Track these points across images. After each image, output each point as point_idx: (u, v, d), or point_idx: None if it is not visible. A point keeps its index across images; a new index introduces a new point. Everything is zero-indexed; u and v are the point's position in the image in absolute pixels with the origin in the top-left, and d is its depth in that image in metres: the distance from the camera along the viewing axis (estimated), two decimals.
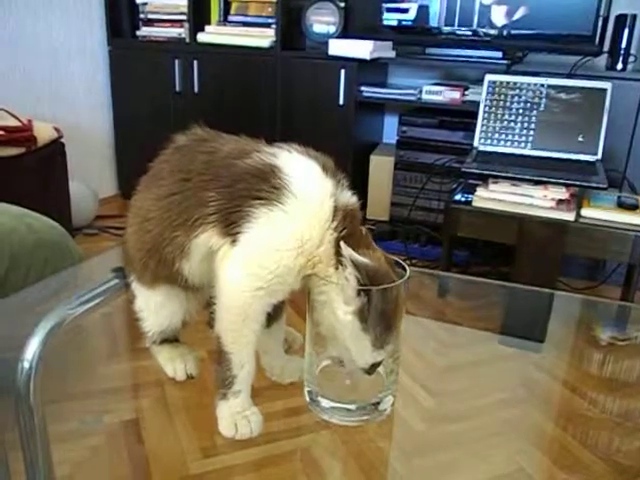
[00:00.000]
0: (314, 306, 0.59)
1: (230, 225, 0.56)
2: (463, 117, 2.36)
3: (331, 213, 0.56)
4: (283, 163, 0.57)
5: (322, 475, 0.57)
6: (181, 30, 2.80)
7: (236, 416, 0.59)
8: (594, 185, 1.76)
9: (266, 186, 0.55)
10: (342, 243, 0.55)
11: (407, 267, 0.60)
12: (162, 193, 0.60)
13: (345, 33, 2.56)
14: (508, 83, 2.03)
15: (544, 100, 1.99)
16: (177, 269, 0.61)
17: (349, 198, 0.58)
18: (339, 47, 2.46)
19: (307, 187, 0.56)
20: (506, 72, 2.19)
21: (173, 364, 0.69)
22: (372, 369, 0.59)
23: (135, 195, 0.65)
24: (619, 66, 2.17)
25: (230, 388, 0.58)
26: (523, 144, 2.00)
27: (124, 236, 0.67)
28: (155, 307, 0.66)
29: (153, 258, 0.62)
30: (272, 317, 0.64)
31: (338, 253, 0.56)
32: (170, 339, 0.70)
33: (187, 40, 2.78)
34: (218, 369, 0.59)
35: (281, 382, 0.68)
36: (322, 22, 2.59)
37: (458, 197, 1.92)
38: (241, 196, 0.55)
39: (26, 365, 0.59)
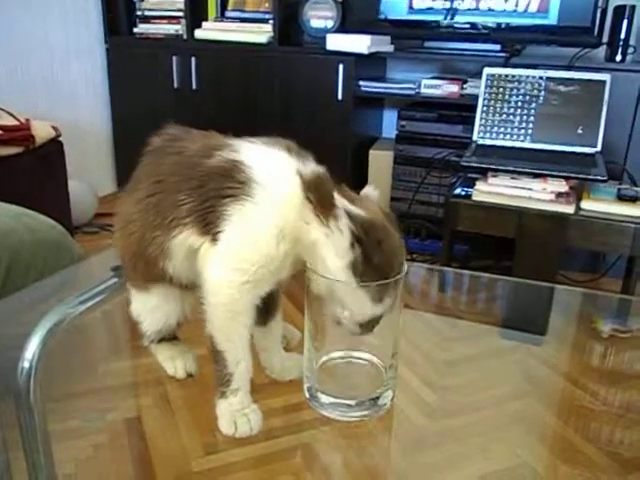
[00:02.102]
0: (311, 278, 0.59)
1: (207, 225, 0.57)
2: (462, 111, 2.36)
3: (299, 188, 0.56)
4: (244, 156, 0.58)
5: (323, 470, 0.57)
6: (178, 27, 2.79)
7: (235, 414, 0.59)
8: (594, 177, 1.75)
9: (232, 183, 0.56)
10: (336, 194, 0.56)
11: (405, 262, 0.59)
12: (140, 196, 0.61)
13: (343, 28, 2.55)
14: (507, 76, 2.03)
15: (543, 93, 1.98)
16: (162, 268, 0.61)
17: (314, 169, 0.59)
18: (337, 42, 2.45)
19: (270, 173, 0.57)
20: (505, 65, 2.18)
21: (173, 362, 0.69)
22: (370, 325, 0.58)
23: (119, 201, 0.66)
24: (618, 57, 2.16)
25: (228, 386, 0.59)
26: (522, 137, 2.00)
27: (113, 241, 0.68)
28: (150, 308, 0.66)
29: (140, 259, 0.62)
30: (268, 314, 0.65)
31: (323, 212, 0.56)
32: (168, 337, 0.70)
33: (184, 37, 2.78)
34: (216, 368, 0.59)
35: (281, 380, 0.68)
36: (319, 17, 2.58)
37: (458, 191, 1.91)
38: (212, 197, 0.56)
39: (26, 364, 0.59)
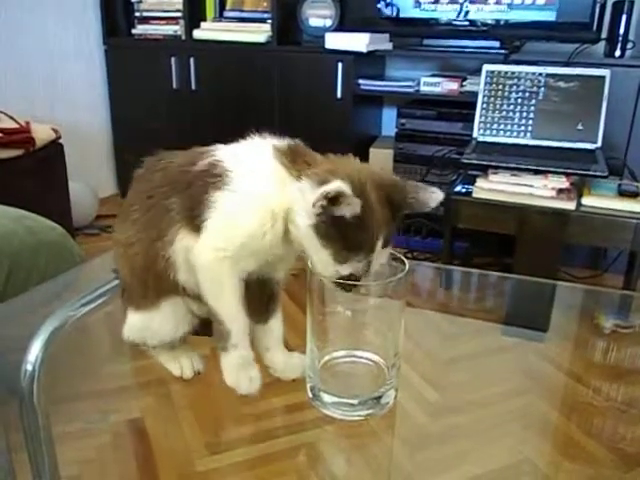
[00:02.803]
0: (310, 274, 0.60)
1: (195, 219, 0.60)
2: (462, 108, 2.35)
3: (274, 158, 0.60)
4: (219, 155, 0.62)
5: (327, 469, 0.57)
6: (177, 27, 2.79)
7: (238, 367, 0.62)
8: (594, 173, 1.75)
9: (212, 178, 0.60)
10: (315, 158, 0.60)
11: (406, 261, 0.59)
12: (135, 217, 0.64)
13: (341, 26, 2.55)
14: (506, 73, 2.03)
15: (543, 89, 1.98)
16: (173, 279, 0.63)
17: (289, 141, 0.62)
18: (336, 41, 2.45)
19: (241, 160, 0.61)
20: (504, 62, 2.18)
21: (178, 362, 0.69)
22: (344, 283, 0.58)
23: (114, 233, 0.68)
24: (617, 53, 2.16)
25: (228, 341, 0.62)
26: (522, 134, 2.00)
27: (117, 268, 0.69)
28: (158, 323, 0.67)
29: (149, 275, 0.64)
30: (268, 313, 0.66)
31: (295, 169, 0.58)
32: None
33: (183, 37, 2.78)
34: (216, 328, 0.62)
35: (285, 379, 0.68)
36: (318, 16, 2.58)
37: (458, 188, 1.91)
38: (197, 193, 0.60)
39: (29, 367, 0.59)
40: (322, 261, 0.57)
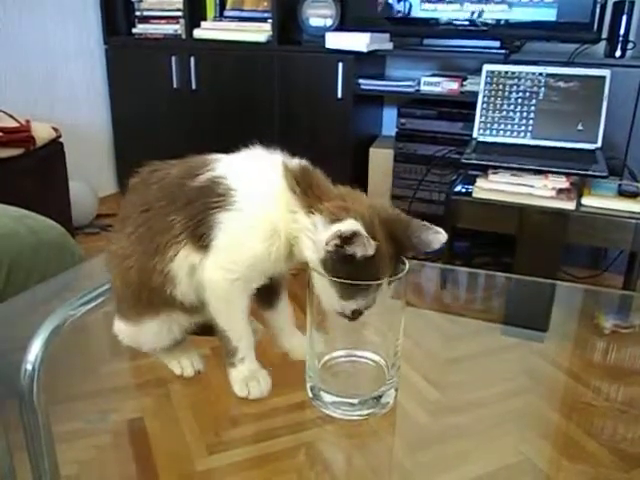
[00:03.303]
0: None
1: (200, 239, 0.60)
2: (462, 108, 2.35)
3: (283, 178, 0.59)
4: (220, 171, 0.61)
5: (327, 469, 0.57)
6: (177, 26, 2.79)
7: (247, 378, 0.64)
8: (594, 173, 1.75)
9: (215, 197, 0.59)
10: (325, 187, 0.58)
11: (406, 260, 0.59)
12: (130, 230, 0.64)
13: (342, 26, 2.55)
14: (506, 73, 2.03)
15: (543, 89, 1.98)
16: (170, 294, 0.63)
17: (299, 161, 0.62)
18: (336, 40, 2.45)
19: (246, 178, 0.61)
20: (504, 62, 2.18)
21: (179, 362, 0.70)
22: (352, 316, 0.58)
23: (109, 244, 0.68)
24: (618, 53, 2.16)
25: (235, 357, 0.63)
26: (522, 134, 2.00)
27: (111, 283, 0.68)
28: (155, 332, 0.67)
29: (144, 290, 0.64)
30: (273, 296, 0.68)
31: (306, 203, 0.58)
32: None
33: (183, 36, 2.77)
34: (222, 343, 0.63)
35: (301, 358, 0.67)
36: (318, 15, 2.58)
37: (458, 188, 1.91)
38: (200, 211, 0.60)
39: (29, 367, 0.59)
40: (328, 295, 0.57)
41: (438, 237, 0.59)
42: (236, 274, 0.60)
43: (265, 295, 0.67)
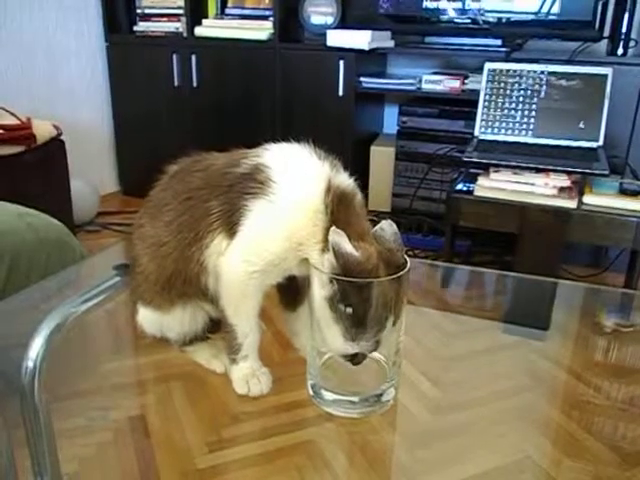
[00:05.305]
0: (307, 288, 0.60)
1: (233, 226, 0.60)
2: (463, 106, 2.35)
3: (322, 197, 0.57)
4: (266, 159, 0.61)
5: (328, 466, 0.57)
6: (178, 24, 2.79)
7: (248, 376, 0.64)
8: (596, 172, 1.75)
9: (253, 183, 0.59)
10: (333, 228, 0.55)
11: (407, 259, 0.59)
12: (170, 218, 0.63)
13: (343, 24, 2.54)
14: (508, 71, 2.02)
15: (544, 87, 1.98)
16: (204, 285, 0.63)
17: (344, 180, 0.60)
18: (337, 38, 2.45)
19: (293, 175, 0.59)
20: (506, 60, 2.18)
21: (208, 362, 0.70)
22: (354, 359, 0.58)
23: (139, 228, 0.68)
24: (620, 51, 2.16)
25: (238, 354, 0.63)
26: (524, 132, 1.99)
27: (137, 268, 0.68)
28: (180, 320, 0.68)
29: (178, 278, 0.64)
30: (296, 302, 0.68)
31: (329, 225, 0.57)
32: (200, 338, 0.71)
33: (184, 34, 2.77)
34: (226, 337, 0.64)
35: None
36: (319, 13, 2.58)
37: (459, 187, 1.91)
38: (236, 197, 0.59)
39: (30, 364, 0.59)
40: (332, 335, 0.57)
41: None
42: (255, 266, 0.59)
43: (289, 296, 0.67)
